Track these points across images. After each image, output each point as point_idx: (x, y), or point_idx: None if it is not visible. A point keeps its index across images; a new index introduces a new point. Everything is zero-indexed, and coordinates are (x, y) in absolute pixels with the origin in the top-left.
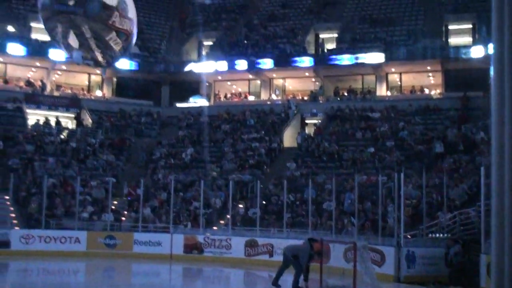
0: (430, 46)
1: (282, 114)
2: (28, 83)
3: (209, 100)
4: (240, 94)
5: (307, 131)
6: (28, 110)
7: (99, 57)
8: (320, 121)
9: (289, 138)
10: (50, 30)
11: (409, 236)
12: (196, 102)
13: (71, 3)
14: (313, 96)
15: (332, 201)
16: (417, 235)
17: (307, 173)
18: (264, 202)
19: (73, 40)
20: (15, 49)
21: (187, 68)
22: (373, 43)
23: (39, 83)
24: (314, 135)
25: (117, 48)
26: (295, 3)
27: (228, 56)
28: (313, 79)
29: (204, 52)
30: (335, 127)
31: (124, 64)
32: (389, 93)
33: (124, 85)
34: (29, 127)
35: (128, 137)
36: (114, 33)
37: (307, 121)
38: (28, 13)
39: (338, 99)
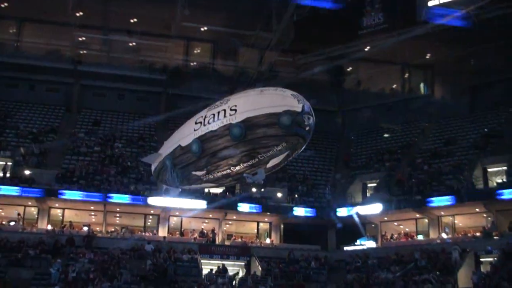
0: None
1: (454, 253)
2: (202, 234)
3: (376, 241)
4: (407, 234)
5: (482, 270)
6: (202, 260)
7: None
8: (496, 258)
9: (463, 278)
10: (259, 147)
11: None
12: (363, 244)
13: (307, 128)
14: (486, 232)
15: None
16: None
17: None
18: None
19: (272, 162)
20: (191, 204)
21: (352, 211)
22: None
23: (211, 234)
24: (491, 274)
25: None
26: (458, 139)
27: (393, 196)
28: (485, 215)
29: (368, 194)
30: None
31: (292, 210)
32: None
33: (291, 231)
34: (203, 276)
35: (297, 283)
36: None
37: (481, 259)
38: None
39: None
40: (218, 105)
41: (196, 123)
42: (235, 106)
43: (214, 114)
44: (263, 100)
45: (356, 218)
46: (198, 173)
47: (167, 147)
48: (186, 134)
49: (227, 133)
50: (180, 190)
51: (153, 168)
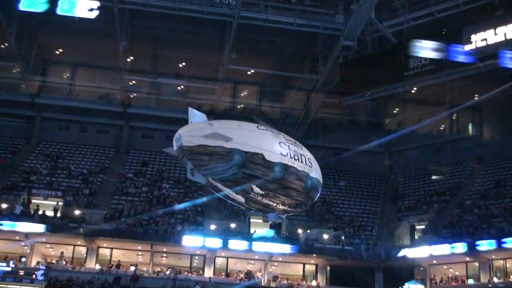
0: None
1: None
2: (247, 275)
3: (425, 285)
4: (457, 278)
5: None
6: None
7: None
8: None
9: None
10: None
11: None
12: None
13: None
14: None
15: None
16: None
17: None
18: None
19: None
20: (236, 244)
21: (400, 254)
22: None
23: (258, 274)
24: None
25: None
26: (509, 180)
27: (442, 239)
28: None
29: (416, 236)
30: None
31: (338, 252)
32: None
33: (337, 273)
34: None
35: None
36: None
37: None
38: (248, 211)
39: None
40: (293, 144)
41: (281, 146)
42: (310, 160)
43: (298, 155)
44: (319, 171)
45: None
46: (256, 189)
47: (241, 140)
48: (271, 150)
49: (304, 179)
50: (205, 181)
51: (198, 141)
